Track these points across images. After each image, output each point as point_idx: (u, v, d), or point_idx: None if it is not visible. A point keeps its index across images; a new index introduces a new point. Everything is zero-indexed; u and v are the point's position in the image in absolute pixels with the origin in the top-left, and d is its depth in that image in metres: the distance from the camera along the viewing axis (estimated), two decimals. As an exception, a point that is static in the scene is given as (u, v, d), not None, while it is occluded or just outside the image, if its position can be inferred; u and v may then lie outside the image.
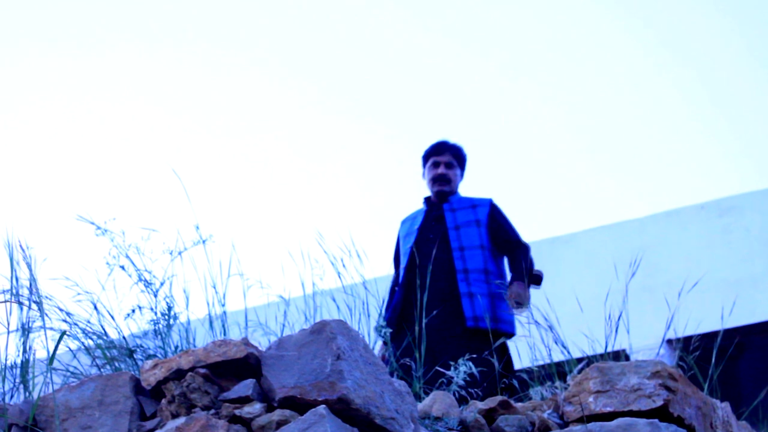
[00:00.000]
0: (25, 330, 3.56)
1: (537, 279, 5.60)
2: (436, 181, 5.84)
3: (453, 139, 5.97)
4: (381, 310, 5.26)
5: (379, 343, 5.17)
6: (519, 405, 3.42)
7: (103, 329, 3.84)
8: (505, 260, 5.77)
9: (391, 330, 5.27)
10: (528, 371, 4.16)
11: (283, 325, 4.11)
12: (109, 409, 3.02)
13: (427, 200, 5.93)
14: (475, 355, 5.05)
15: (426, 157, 5.96)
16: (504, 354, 5.27)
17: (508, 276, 5.71)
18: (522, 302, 5.40)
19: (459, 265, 5.56)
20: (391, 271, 5.91)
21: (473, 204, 5.78)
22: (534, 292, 5.38)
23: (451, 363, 4.03)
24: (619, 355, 4.14)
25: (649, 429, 3.14)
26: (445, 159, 5.88)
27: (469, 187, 5.99)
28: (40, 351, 3.57)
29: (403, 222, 5.98)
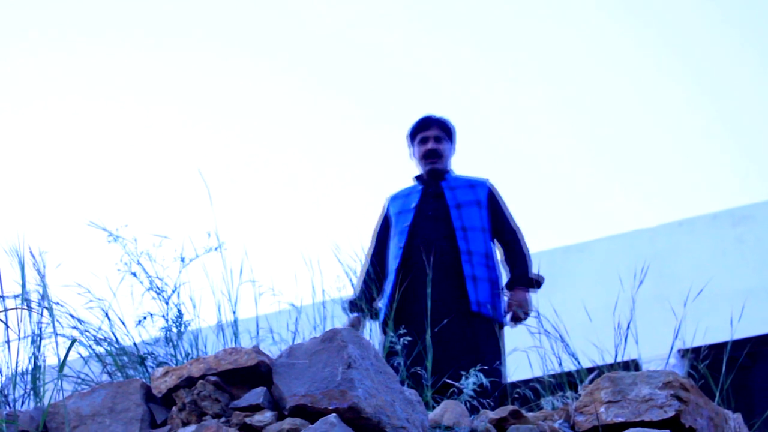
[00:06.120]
0: (36, 337, 3.57)
1: (538, 283, 5.29)
2: (427, 157, 5.47)
3: (438, 113, 5.58)
4: (357, 284, 5.12)
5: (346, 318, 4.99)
6: (530, 415, 3.41)
7: (114, 336, 3.85)
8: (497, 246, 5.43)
9: (360, 311, 5.12)
10: (539, 381, 4.15)
11: (294, 333, 4.10)
12: (120, 417, 3.02)
13: (419, 178, 5.57)
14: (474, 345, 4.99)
15: (412, 135, 5.57)
16: (497, 344, 5.07)
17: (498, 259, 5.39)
18: (526, 311, 5.13)
19: (462, 246, 5.24)
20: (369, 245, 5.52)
21: (471, 183, 5.45)
22: (545, 301, 5.21)
23: (462, 374, 4.01)
24: (630, 365, 4.13)
25: (660, 440, 3.13)
26: (433, 133, 5.49)
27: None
28: (51, 358, 3.58)
29: (393, 198, 5.58)
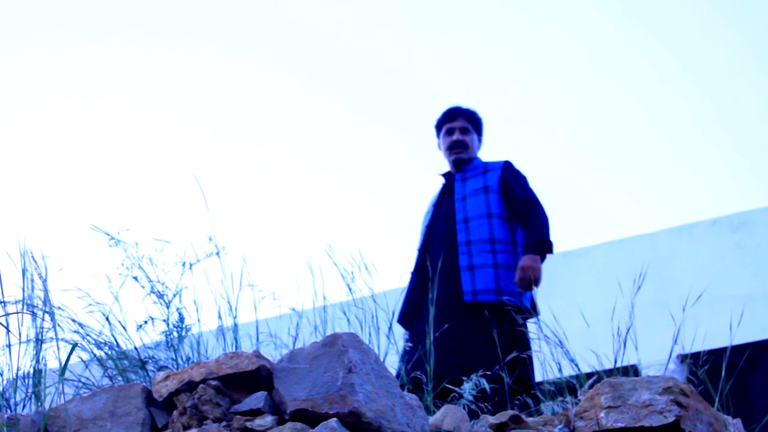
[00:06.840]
0: (38, 340, 3.58)
1: (548, 247, 5.15)
2: (452, 148, 5.51)
3: (466, 104, 5.62)
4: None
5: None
6: (530, 420, 3.42)
7: (115, 340, 3.85)
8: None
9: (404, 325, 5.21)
10: (539, 386, 4.16)
11: (295, 338, 4.11)
12: (121, 421, 3.02)
13: (446, 174, 5.60)
14: (477, 334, 4.96)
15: (439, 126, 5.61)
16: (513, 330, 4.92)
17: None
18: (529, 277, 5.00)
19: (461, 238, 5.23)
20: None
21: (486, 169, 5.43)
22: (544, 306, 5.11)
23: (464, 377, 4.01)
24: (629, 371, 4.13)
25: (660, 445, 3.13)
26: (459, 124, 5.53)
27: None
28: (52, 362, 3.59)
29: (431, 199, 5.66)
